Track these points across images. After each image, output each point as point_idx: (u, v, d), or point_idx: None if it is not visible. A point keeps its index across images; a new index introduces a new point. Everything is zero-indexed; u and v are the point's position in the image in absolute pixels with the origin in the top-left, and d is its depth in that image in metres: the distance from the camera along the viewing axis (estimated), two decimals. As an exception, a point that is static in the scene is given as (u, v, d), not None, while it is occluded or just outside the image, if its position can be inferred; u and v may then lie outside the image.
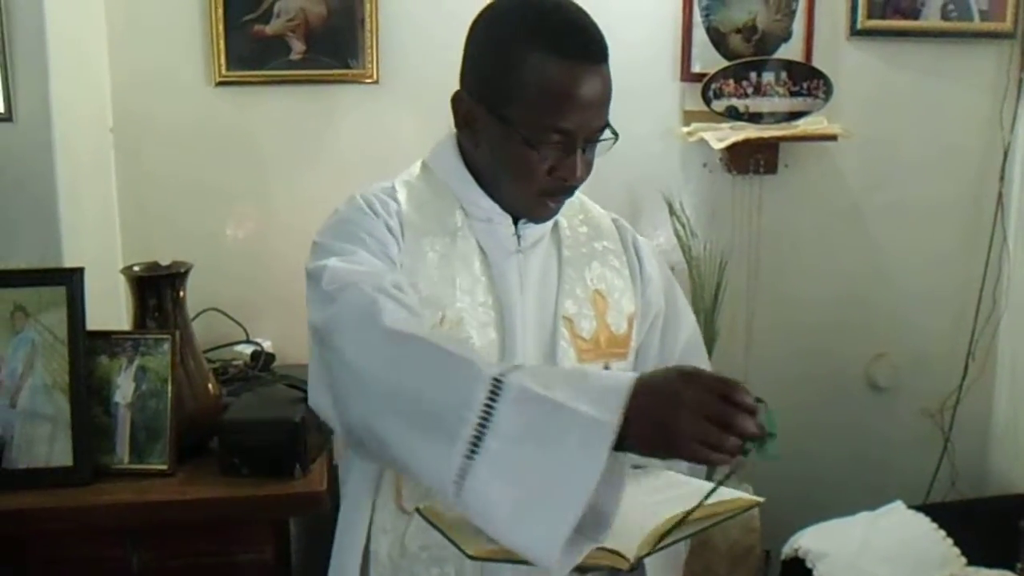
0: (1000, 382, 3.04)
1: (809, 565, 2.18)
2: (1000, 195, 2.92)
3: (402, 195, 1.46)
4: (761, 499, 1.28)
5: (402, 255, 1.42)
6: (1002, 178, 2.91)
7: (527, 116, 1.32)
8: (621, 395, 1.09)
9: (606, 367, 1.47)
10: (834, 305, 2.93)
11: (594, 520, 1.11)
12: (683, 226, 2.49)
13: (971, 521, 2.24)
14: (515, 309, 1.46)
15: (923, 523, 2.26)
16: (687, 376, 1.11)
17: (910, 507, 2.34)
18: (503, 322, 1.45)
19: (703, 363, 1.60)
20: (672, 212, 2.49)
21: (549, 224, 1.51)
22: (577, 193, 1.50)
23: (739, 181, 2.78)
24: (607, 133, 1.40)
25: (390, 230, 1.43)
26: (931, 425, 3.01)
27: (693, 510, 1.18)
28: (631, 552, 1.11)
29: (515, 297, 1.47)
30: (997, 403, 3.06)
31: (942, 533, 2.21)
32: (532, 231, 1.49)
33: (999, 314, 2.99)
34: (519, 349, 1.43)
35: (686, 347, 1.61)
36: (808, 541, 2.22)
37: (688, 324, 1.63)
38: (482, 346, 1.40)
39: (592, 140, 1.39)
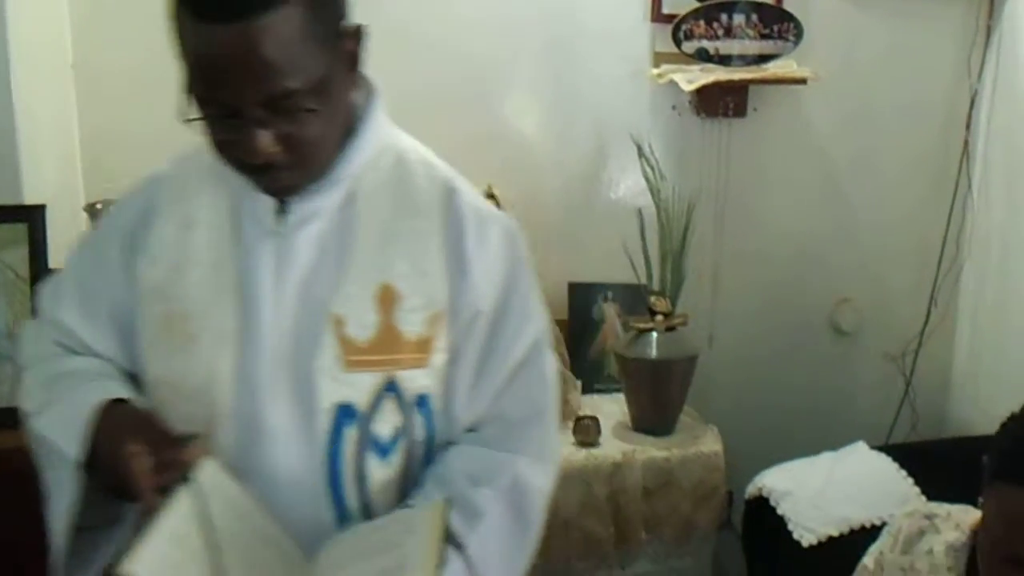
0: (961, 328, 3.07)
1: (773, 504, 2.21)
2: (966, 143, 2.93)
3: (171, 173, 1.34)
4: (444, 501, 1.20)
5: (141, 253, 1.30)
6: (968, 126, 2.92)
7: (192, 87, 1.13)
8: (81, 424, 1.19)
9: (390, 379, 1.25)
10: (800, 249, 2.94)
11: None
12: (652, 168, 2.48)
13: (931, 461, 2.27)
14: (262, 302, 1.25)
15: (884, 463, 2.29)
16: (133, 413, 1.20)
17: (872, 448, 2.37)
18: (245, 317, 1.26)
19: (541, 384, 1.35)
20: (641, 154, 2.48)
21: (332, 199, 1.26)
22: (417, 152, 1.33)
23: (708, 124, 2.77)
24: (311, 103, 1.13)
25: (122, 241, 1.31)
26: (893, 369, 3.05)
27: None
28: None
29: (264, 287, 1.25)
30: (958, 348, 3.09)
31: (903, 472, 2.25)
32: (304, 207, 1.25)
33: (961, 261, 3.02)
34: (264, 347, 1.25)
35: (525, 360, 1.32)
36: (771, 480, 2.25)
37: (529, 333, 1.32)
38: (212, 345, 1.25)
39: (277, 110, 1.12)
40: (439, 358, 1.28)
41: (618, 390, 2.54)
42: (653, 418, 2.35)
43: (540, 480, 1.34)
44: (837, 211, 2.96)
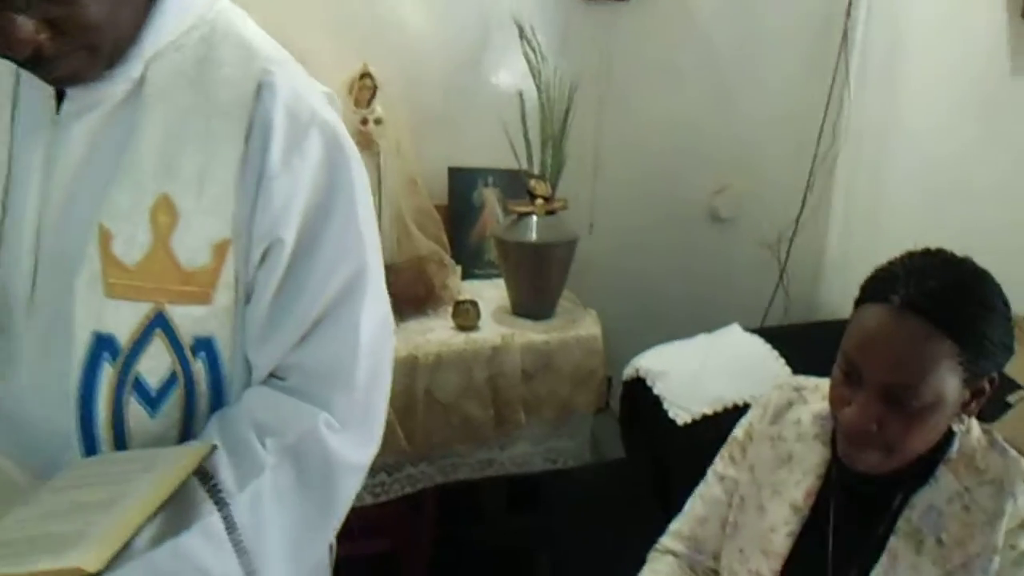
0: (835, 216, 3.14)
1: (649, 384, 2.23)
2: (845, 30, 2.95)
3: None
4: (207, 445, 1.06)
5: None
6: (848, 13, 2.94)
7: None
8: None
9: (159, 312, 1.07)
10: (680, 135, 2.94)
11: None
12: (533, 51, 2.42)
13: (802, 342, 2.32)
14: (26, 201, 1.08)
15: (757, 344, 2.33)
16: None
17: (746, 330, 2.41)
18: (7, 216, 1.09)
19: (349, 339, 1.15)
20: (522, 36, 2.42)
21: (118, 87, 1.07)
22: (237, 32, 1.13)
23: (592, 7, 2.72)
24: None
25: None
26: (768, 256, 3.11)
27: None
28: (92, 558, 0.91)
29: (31, 185, 1.08)
30: (831, 236, 3.17)
31: (775, 353, 2.30)
32: (84, 95, 1.06)
33: (837, 149, 3.06)
34: (23, 252, 1.09)
35: (334, 305, 1.13)
36: (648, 362, 2.27)
37: (342, 273, 1.13)
38: None
39: None
40: (224, 296, 1.09)
41: (498, 275, 2.53)
42: (532, 302, 2.35)
43: (346, 450, 1.14)
44: (717, 99, 2.96)
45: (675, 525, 1.66)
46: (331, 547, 1.39)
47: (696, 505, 1.64)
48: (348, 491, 1.18)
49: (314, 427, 1.11)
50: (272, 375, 1.15)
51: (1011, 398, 2.04)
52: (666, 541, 1.66)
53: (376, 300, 1.18)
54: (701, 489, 1.64)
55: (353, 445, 1.16)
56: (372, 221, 1.20)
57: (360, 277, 1.15)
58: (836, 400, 1.35)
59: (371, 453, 1.21)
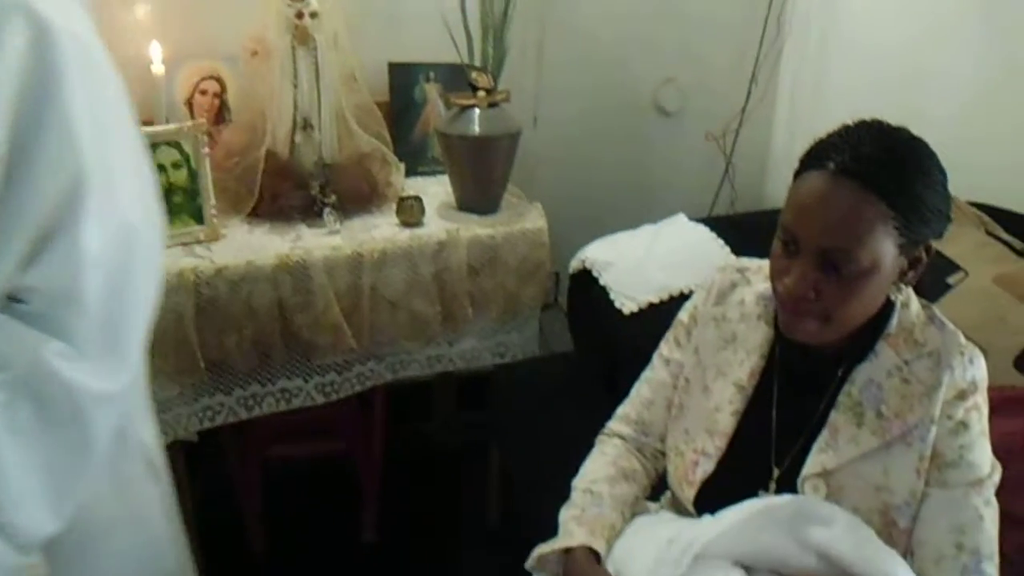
0: (780, 107, 3.13)
1: (596, 275, 2.23)
2: (789, -82, 2.91)
3: None
4: None
5: None
6: (792, -101, 2.89)
7: None
8: None
9: None
10: (625, 28, 2.89)
11: None
12: (471, -62, 2.36)
13: (747, 231, 2.33)
14: None
15: (703, 233, 2.34)
16: None
17: (691, 220, 2.41)
18: None
19: (72, 259, 1.06)
20: (460, -77, 2.35)
21: None
22: None
23: None
24: None
25: None
26: (714, 148, 3.10)
27: None
28: None
29: None
30: (776, 128, 3.16)
31: (720, 241, 2.31)
32: None
33: (782, 41, 3.04)
34: None
35: (57, 223, 1.04)
36: (594, 252, 2.27)
37: (63, 182, 1.03)
38: None
39: None
40: None
41: (442, 172, 2.50)
42: (477, 197, 2.32)
43: (90, 380, 1.07)
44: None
45: (622, 410, 1.68)
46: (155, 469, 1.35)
47: (642, 389, 1.65)
48: (103, 424, 1.11)
49: (40, 358, 1.04)
50: (13, 299, 1.07)
51: (951, 279, 2.07)
52: (613, 425, 1.68)
53: (105, 210, 1.08)
54: (647, 373, 1.65)
55: (97, 374, 1.09)
56: (101, 128, 1.08)
57: (78, 187, 1.05)
58: (775, 272, 1.36)
59: (124, 380, 1.14)
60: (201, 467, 2.35)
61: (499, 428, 2.42)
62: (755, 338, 1.50)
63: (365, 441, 2.57)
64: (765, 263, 1.44)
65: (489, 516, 2.69)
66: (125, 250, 1.11)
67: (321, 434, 2.52)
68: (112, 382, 1.11)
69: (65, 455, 1.07)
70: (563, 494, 1.58)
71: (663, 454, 1.62)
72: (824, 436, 1.41)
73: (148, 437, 1.42)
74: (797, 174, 1.34)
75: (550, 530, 1.52)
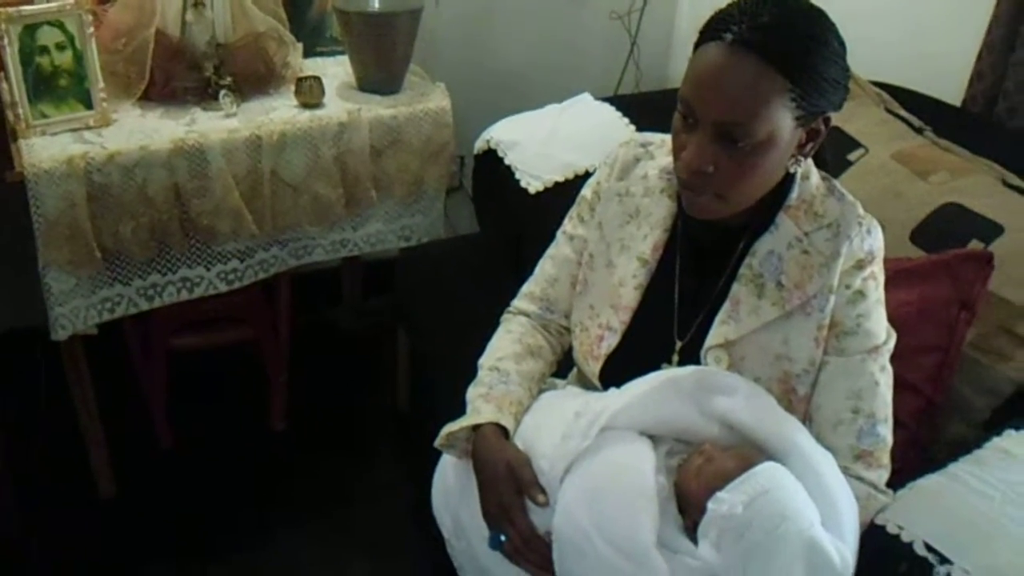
0: (684, -16, 3.10)
1: (500, 155, 2.21)
2: None
3: None
4: None
5: None
6: None
7: None
8: None
9: None
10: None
11: None
12: None
13: (652, 110, 2.29)
14: None
15: (608, 112, 2.32)
16: None
17: (596, 99, 2.39)
18: None
19: None
20: None
21: None
22: None
23: None
24: None
25: None
26: (619, 28, 3.06)
27: None
28: None
29: None
30: (681, 6, 3.13)
31: (626, 120, 2.30)
32: None
33: (687, -86, 3.00)
34: None
35: None
36: (499, 133, 2.24)
37: None
38: None
39: None
40: None
41: (341, 52, 2.43)
42: (378, 76, 2.26)
43: None
44: None
45: (527, 288, 1.67)
46: None
47: (546, 266, 1.65)
48: None
49: None
50: None
51: (851, 156, 2.10)
52: (518, 303, 1.67)
53: None
54: (551, 251, 1.65)
55: None
56: None
57: None
58: (676, 147, 1.35)
59: None
60: (103, 362, 2.30)
61: (406, 311, 2.41)
62: (658, 212, 1.49)
63: (271, 329, 2.53)
64: (668, 137, 1.43)
65: (399, 400, 2.70)
66: None
67: (226, 323, 2.47)
68: None
69: None
70: (471, 374, 1.58)
71: (568, 330, 1.62)
72: (726, 308, 1.43)
73: None
74: (696, 45, 1.32)
75: (458, 410, 1.53)
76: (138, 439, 2.52)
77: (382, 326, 2.74)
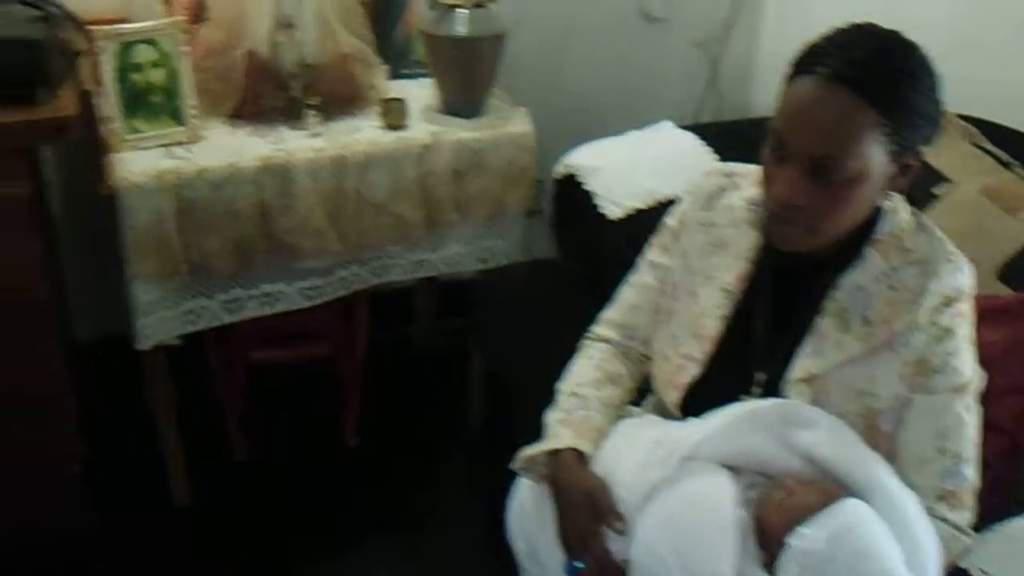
0: (767, 13, 3.08)
1: (580, 180, 2.22)
2: None
3: None
4: None
5: None
6: None
7: None
8: None
9: None
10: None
11: None
12: None
13: (734, 138, 2.31)
14: None
15: (690, 139, 2.32)
16: None
17: (678, 126, 2.39)
18: None
19: None
20: None
21: None
22: None
23: None
24: None
25: None
26: (700, 55, 3.06)
27: None
28: None
29: None
30: (763, 35, 3.12)
31: (708, 148, 2.29)
32: None
33: (771, -56, 2.99)
34: None
35: None
36: (580, 158, 2.25)
37: None
38: None
39: None
40: None
41: (424, 75, 2.45)
42: (462, 100, 2.28)
43: None
44: None
45: (607, 314, 1.68)
46: None
47: (628, 293, 1.65)
48: None
49: None
50: None
51: (937, 190, 2.08)
52: (598, 329, 1.68)
53: None
54: (632, 278, 1.65)
55: None
56: None
57: None
58: (766, 179, 1.35)
59: None
60: (181, 371, 2.35)
61: (483, 333, 2.43)
62: (743, 243, 1.49)
63: (348, 345, 2.56)
64: (754, 168, 1.44)
65: (471, 420, 2.71)
66: None
67: (303, 338, 2.51)
68: None
69: None
70: (547, 398, 1.59)
71: (648, 358, 1.63)
72: (810, 342, 1.42)
73: None
74: (788, 79, 1.32)
75: (533, 434, 1.53)
76: (213, 448, 2.55)
77: (456, 346, 2.75)
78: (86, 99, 2.01)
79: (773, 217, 1.35)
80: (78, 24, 2.05)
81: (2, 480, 2.06)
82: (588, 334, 1.69)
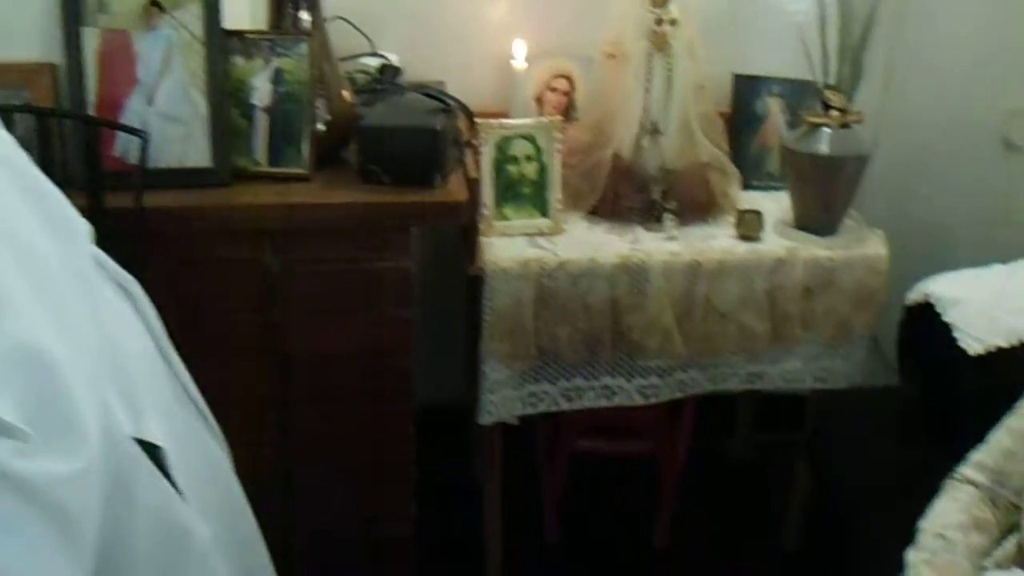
0: None
1: (939, 311, 2.14)
2: None
3: None
4: None
5: None
6: None
7: None
8: None
9: None
10: (976, 57, 2.76)
11: None
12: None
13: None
14: None
15: (1059, 277, 2.20)
16: None
17: (1048, 263, 2.27)
18: None
19: None
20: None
21: None
22: None
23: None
24: None
25: None
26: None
27: None
28: None
29: None
30: None
31: (1080, 288, 2.17)
32: None
33: None
34: None
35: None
36: (939, 287, 2.17)
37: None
38: None
39: None
40: None
41: (776, 188, 2.48)
42: (817, 216, 2.28)
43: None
44: (1019, 19, 2.75)
45: (978, 456, 1.61)
46: None
47: (1003, 437, 1.58)
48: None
49: None
50: None
51: None
52: (966, 471, 1.62)
53: None
54: (1010, 422, 1.58)
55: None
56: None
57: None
58: None
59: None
60: (508, 452, 2.45)
61: (818, 454, 2.38)
62: None
63: (670, 446, 2.59)
64: None
65: (785, 539, 2.65)
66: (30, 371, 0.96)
67: (629, 433, 2.56)
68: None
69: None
70: (887, 530, 1.54)
71: (1018, 508, 1.55)
72: None
73: None
74: None
75: (875, 567, 1.49)
76: (526, 527, 2.64)
77: (775, 460, 2.72)
78: (472, 185, 2.19)
79: None
80: (469, 116, 2.24)
81: (337, 531, 2.22)
82: (954, 474, 1.63)
